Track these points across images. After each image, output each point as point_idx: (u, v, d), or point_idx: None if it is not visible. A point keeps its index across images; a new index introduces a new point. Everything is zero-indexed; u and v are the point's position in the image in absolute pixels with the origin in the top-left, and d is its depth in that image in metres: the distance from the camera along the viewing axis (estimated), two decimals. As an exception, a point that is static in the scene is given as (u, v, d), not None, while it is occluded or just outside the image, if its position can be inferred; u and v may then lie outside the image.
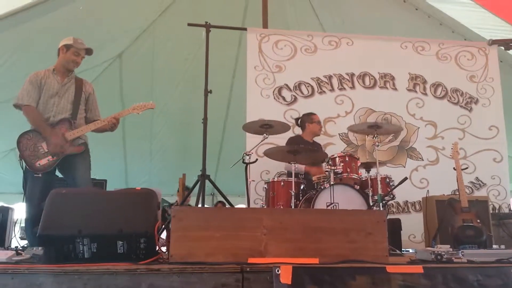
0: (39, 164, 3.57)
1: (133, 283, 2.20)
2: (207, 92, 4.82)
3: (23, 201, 3.63)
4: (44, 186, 3.50)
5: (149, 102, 3.97)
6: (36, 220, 2.93)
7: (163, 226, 3.80)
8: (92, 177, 3.94)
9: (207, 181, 4.50)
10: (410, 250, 4.58)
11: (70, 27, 5.80)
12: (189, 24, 5.39)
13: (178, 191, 5.18)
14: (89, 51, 3.96)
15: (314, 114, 5.11)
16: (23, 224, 3.78)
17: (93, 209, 2.61)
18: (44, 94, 3.75)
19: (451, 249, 2.91)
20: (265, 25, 6.09)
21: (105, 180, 4.50)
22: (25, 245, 3.55)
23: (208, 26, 5.21)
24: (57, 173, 3.78)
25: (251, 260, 2.48)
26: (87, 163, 3.81)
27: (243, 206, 6.07)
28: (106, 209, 2.61)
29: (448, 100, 5.88)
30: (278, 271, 2.27)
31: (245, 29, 5.98)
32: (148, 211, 2.61)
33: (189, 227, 2.55)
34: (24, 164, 3.59)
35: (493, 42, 5.28)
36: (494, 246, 3.28)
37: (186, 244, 2.51)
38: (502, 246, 3.22)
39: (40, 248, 2.64)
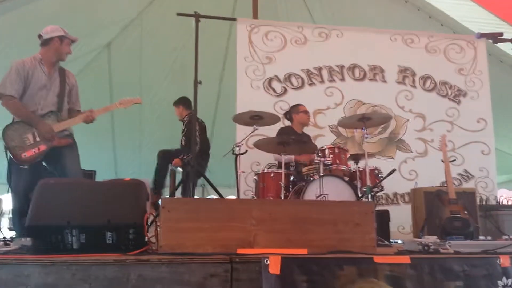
0: (24, 155, 3.51)
1: (122, 274, 2.20)
2: (196, 83, 4.79)
3: (7, 192, 3.59)
4: (31, 177, 3.45)
5: (136, 97, 3.95)
6: (23, 210, 2.91)
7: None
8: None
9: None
10: (399, 241, 4.63)
11: (57, 15, 5.71)
12: (178, 14, 5.33)
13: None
14: (74, 41, 3.90)
15: (301, 104, 5.13)
16: (11, 215, 3.75)
17: (81, 200, 2.59)
18: (32, 87, 3.65)
19: (438, 240, 2.95)
20: (255, 16, 6.06)
21: (94, 171, 4.47)
22: (13, 236, 3.51)
23: (197, 16, 5.15)
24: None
25: (240, 251, 2.49)
26: (75, 154, 3.76)
27: (233, 197, 6.07)
28: (94, 200, 2.59)
29: (437, 93, 5.92)
30: (267, 261, 2.29)
31: (234, 19, 5.94)
32: (137, 201, 2.60)
33: (178, 218, 2.55)
34: (9, 155, 3.52)
35: (481, 36, 5.30)
36: (481, 237, 3.32)
37: (175, 235, 2.51)
38: (489, 237, 3.27)
39: (28, 238, 2.62)
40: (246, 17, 5.97)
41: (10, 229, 4.35)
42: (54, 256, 2.29)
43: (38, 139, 3.58)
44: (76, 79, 3.97)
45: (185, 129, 5.45)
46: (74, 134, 3.86)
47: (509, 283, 2.57)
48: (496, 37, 4.75)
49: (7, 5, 5.42)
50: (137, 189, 2.66)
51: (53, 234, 2.51)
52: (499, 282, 2.57)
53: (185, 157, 5.20)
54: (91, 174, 4.33)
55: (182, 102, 5.67)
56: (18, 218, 3.40)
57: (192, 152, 4.57)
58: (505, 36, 5.21)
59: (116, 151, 7.79)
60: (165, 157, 5.47)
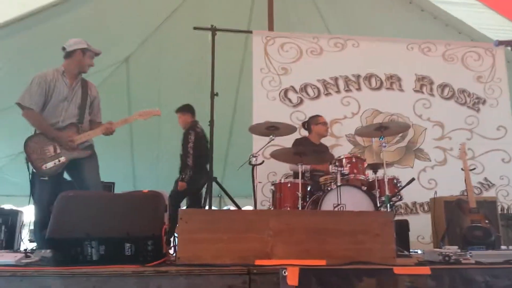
0: (45, 167, 3.56)
1: (140, 285, 2.21)
2: (213, 94, 4.84)
3: (28, 204, 3.65)
4: (52, 189, 3.51)
5: (155, 109, 3.96)
6: (44, 222, 2.94)
7: None
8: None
9: (214, 183, 4.52)
10: (419, 251, 4.55)
11: (76, 31, 5.84)
12: (195, 28, 5.42)
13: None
14: (98, 54, 3.97)
15: (320, 116, 5.12)
16: (31, 227, 3.81)
17: (100, 212, 2.62)
18: (54, 99, 3.69)
19: (459, 250, 2.89)
20: (270, 28, 6.11)
21: (113, 183, 4.52)
22: (34, 248, 3.57)
23: (214, 30, 5.23)
24: (66, 175, 3.79)
25: (258, 262, 2.48)
26: (95, 165, 3.80)
27: (251, 208, 6.07)
28: (113, 212, 2.62)
29: (456, 101, 5.86)
30: (285, 272, 2.27)
31: (250, 32, 6.01)
32: (155, 213, 2.62)
33: (196, 229, 2.56)
34: (31, 167, 3.59)
35: (500, 43, 5.25)
36: (503, 247, 3.26)
37: (193, 246, 2.52)
38: (511, 247, 3.20)
39: (48, 250, 2.66)
40: (262, 28, 6.03)
41: (31, 241, 4.41)
42: (74, 267, 2.31)
43: (58, 151, 3.63)
44: (97, 91, 4.02)
45: (188, 139, 5.25)
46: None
47: (532, 293, 2.51)
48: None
49: (26, 23, 5.55)
50: (155, 201, 2.69)
51: (73, 246, 2.55)
52: (522, 293, 2.51)
53: (183, 176, 5.07)
54: (110, 186, 4.38)
55: (191, 109, 5.56)
56: (39, 230, 3.45)
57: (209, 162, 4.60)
58: None
59: (134, 163, 7.88)
60: (174, 201, 4.97)
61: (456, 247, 3.00)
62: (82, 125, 3.78)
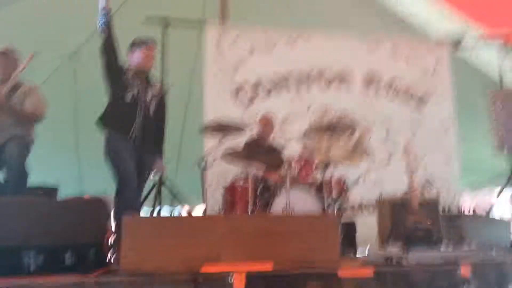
0: None
1: (81, 296, 2.14)
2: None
3: None
4: None
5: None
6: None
7: None
8: (43, 182, 3.89)
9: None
10: (366, 253, 4.66)
11: (22, 23, 5.58)
12: (146, 19, 5.27)
13: None
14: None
15: (264, 114, 5.17)
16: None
17: (39, 219, 2.51)
18: None
19: (401, 252, 2.99)
20: (223, 20, 6.03)
21: (56, 188, 4.29)
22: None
23: (165, 21, 5.14)
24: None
25: (204, 269, 2.46)
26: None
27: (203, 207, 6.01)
28: (53, 219, 2.52)
29: (401, 100, 6.02)
30: (231, 280, 2.27)
31: (204, 22, 5.83)
32: (97, 220, 2.54)
33: (140, 236, 2.50)
34: None
35: (442, 44, 5.45)
36: (442, 248, 3.39)
37: (137, 254, 2.45)
38: (450, 248, 3.34)
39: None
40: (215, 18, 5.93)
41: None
42: (11, 278, 2.20)
43: None
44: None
45: None
46: (36, 147, 3.86)
47: (470, 292, 2.63)
48: (456, 45, 4.91)
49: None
50: (97, 207, 2.60)
51: (9, 256, 2.42)
52: (460, 292, 2.63)
53: None
54: (54, 191, 4.16)
55: None
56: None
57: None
58: (467, 36, 5.40)
59: (81, 165, 7.57)
60: None
61: (399, 248, 3.10)
62: None
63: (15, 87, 3.91)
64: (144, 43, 3.97)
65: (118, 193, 3.51)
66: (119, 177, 3.58)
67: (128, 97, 3.77)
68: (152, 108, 3.92)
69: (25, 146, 3.86)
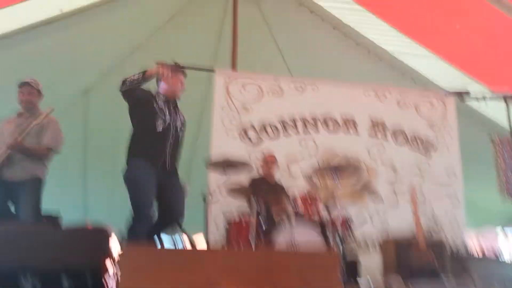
0: None
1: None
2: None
3: None
4: None
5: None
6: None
7: None
8: (47, 210, 3.96)
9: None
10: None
11: (34, 60, 5.77)
12: (157, 63, 5.43)
13: None
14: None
15: (268, 154, 5.24)
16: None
17: (39, 247, 2.51)
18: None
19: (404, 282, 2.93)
20: (234, 67, 6.22)
21: (59, 217, 4.31)
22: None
23: (176, 66, 5.27)
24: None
25: (203, 301, 2.42)
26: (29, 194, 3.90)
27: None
28: (53, 248, 2.52)
29: (409, 147, 6.06)
30: (230, 312, 2.23)
31: (213, 70, 6.06)
32: (97, 249, 2.54)
33: (139, 267, 2.47)
34: None
35: (449, 95, 5.55)
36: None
37: (136, 284, 2.43)
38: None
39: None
40: (225, 67, 6.11)
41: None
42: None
43: None
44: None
45: None
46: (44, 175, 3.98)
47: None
48: (462, 96, 4.97)
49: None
50: (98, 237, 2.60)
51: (7, 281, 2.42)
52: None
53: None
54: (56, 219, 4.19)
55: None
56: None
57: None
58: (472, 93, 5.50)
59: (87, 194, 7.62)
60: None
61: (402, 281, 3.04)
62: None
63: (34, 116, 4.07)
64: (178, 69, 3.97)
65: (132, 221, 3.44)
66: (135, 205, 3.50)
67: (159, 125, 3.70)
68: (180, 135, 3.88)
69: (42, 186, 4.03)
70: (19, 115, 4.15)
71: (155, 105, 3.75)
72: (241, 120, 5.73)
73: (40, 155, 4.05)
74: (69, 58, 6.17)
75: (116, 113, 7.02)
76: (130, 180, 3.57)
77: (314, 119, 5.93)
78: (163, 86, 3.91)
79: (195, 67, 5.86)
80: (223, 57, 6.74)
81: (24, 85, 4.12)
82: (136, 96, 3.75)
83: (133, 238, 3.30)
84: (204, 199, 4.44)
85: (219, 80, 5.86)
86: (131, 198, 3.51)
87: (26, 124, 3.97)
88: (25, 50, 5.76)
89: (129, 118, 3.83)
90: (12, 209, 3.86)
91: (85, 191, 7.46)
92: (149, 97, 3.79)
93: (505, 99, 5.49)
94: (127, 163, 3.64)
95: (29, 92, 4.10)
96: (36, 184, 3.95)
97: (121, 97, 5.87)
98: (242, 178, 4.85)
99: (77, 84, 6.68)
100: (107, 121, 7.11)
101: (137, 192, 3.52)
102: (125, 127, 7.06)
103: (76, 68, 6.39)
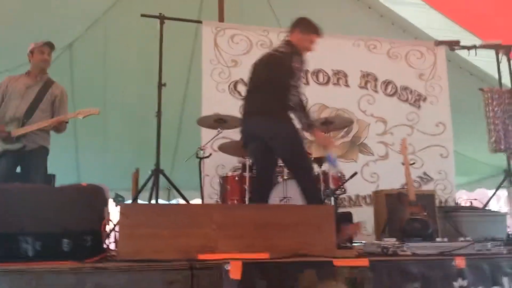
0: None
1: (78, 282, 2.14)
2: (161, 85, 4.77)
3: None
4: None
5: (95, 108, 4.17)
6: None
7: None
8: None
9: (162, 176, 4.46)
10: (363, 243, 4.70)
11: (18, 14, 5.56)
12: (142, 15, 5.27)
13: None
14: (49, 44, 4.19)
15: None
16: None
17: (36, 206, 2.51)
18: (9, 97, 4.05)
19: (397, 242, 3.01)
20: (221, 19, 6.05)
21: (54, 175, 4.37)
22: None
23: (162, 18, 5.12)
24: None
25: (201, 257, 2.47)
26: (40, 161, 4.10)
27: (199, 200, 6.05)
28: (50, 206, 2.52)
29: (398, 98, 6.07)
30: (227, 267, 2.28)
31: (200, 21, 5.92)
32: (94, 208, 2.55)
33: (137, 224, 2.51)
34: None
35: (439, 43, 5.50)
36: (438, 239, 3.41)
37: (134, 241, 2.47)
38: (445, 239, 3.36)
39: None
40: (212, 19, 5.96)
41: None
42: (7, 264, 2.21)
43: None
44: (62, 90, 4.32)
45: None
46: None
47: (465, 284, 2.65)
48: (452, 45, 4.96)
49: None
50: (94, 195, 2.60)
51: (6, 242, 2.43)
52: (455, 284, 2.64)
53: None
54: (50, 178, 4.23)
55: None
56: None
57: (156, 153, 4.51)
58: (462, 43, 5.47)
59: (78, 154, 7.59)
60: None
61: (395, 239, 3.12)
62: (30, 121, 4.00)
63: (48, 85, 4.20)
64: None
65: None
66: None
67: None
68: None
69: (48, 154, 4.25)
70: (28, 73, 4.20)
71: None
72: (230, 73, 5.64)
73: (62, 130, 4.27)
74: (52, 11, 5.95)
75: (101, 67, 6.91)
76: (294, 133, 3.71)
77: (304, 71, 5.85)
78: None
79: (182, 18, 5.74)
80: (209, 10, 6.54)
81: (47, 45, 4.19)
82: None
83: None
84: (197, 155, 4.43)
85: (206, 31, 5.72)
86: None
87: (36, 87, 4.12)
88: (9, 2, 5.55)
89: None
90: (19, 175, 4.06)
91: (76, 149, 7.43)
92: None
93: (496, 48, 5.55)
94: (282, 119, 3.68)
95: (49, 53, 4.20)
96: (44, 154, 4.15)
97: (107, 50, 5.71)
98: (234, 132, 4.83)
99: (61, 38, 6.47)
100: (92, 75, 6.97)
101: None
102: (110, 83, 6.99)
103: (60, 22, 6.18)
